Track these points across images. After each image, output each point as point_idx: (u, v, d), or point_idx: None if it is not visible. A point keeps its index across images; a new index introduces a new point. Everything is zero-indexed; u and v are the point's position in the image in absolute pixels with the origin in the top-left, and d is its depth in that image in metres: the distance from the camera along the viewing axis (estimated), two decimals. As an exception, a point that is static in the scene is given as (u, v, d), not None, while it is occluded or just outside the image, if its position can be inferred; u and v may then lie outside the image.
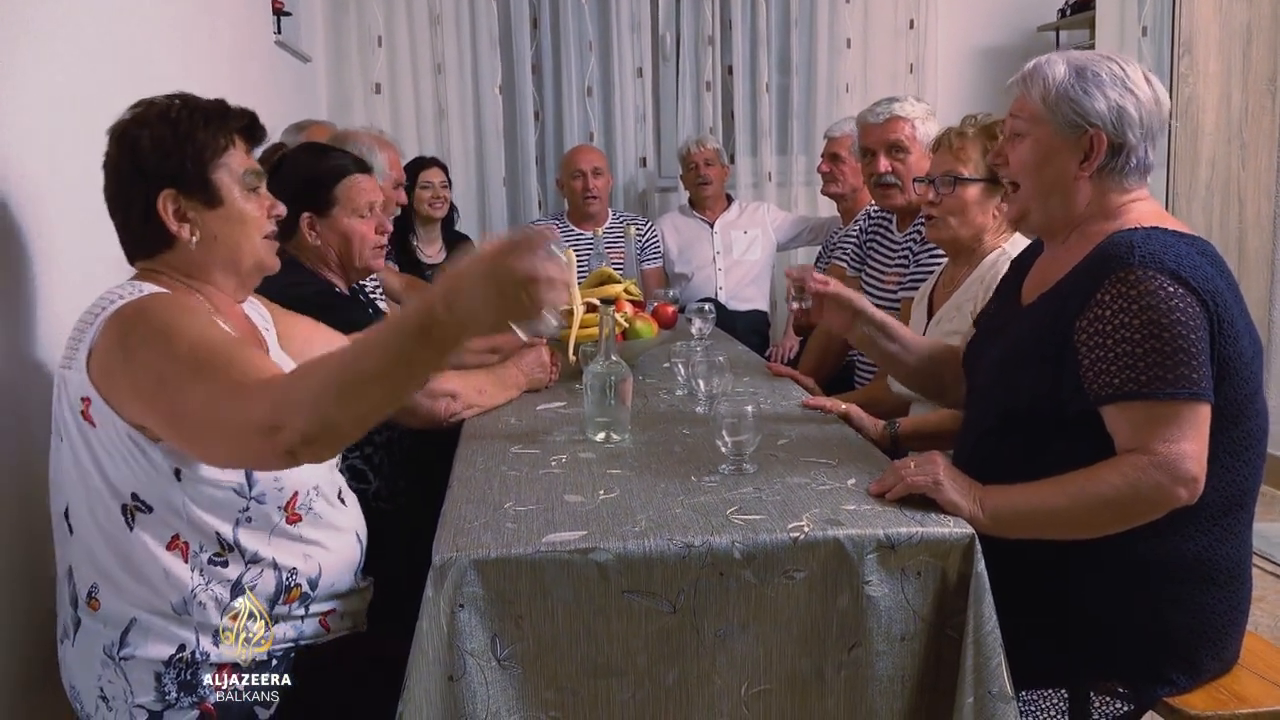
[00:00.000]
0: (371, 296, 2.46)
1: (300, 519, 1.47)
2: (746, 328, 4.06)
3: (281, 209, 1.53)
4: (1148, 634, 1.51)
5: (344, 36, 4.50)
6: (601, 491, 1.55)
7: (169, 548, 1.36)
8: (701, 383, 2.06)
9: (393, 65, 4.54)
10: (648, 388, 2.24)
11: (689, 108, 4.76)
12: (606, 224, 4.06)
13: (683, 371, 2.17)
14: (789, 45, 4.76)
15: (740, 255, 4.28)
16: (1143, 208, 1.57)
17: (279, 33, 3.61)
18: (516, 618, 1.34)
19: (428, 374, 1.21)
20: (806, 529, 1.38)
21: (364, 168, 2.13)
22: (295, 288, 2.05)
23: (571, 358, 2.26)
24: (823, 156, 3.72)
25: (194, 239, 1.42)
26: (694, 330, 2.72)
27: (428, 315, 1.12)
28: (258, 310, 1.66)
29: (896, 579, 1.39)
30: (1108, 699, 1.61)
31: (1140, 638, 1.52)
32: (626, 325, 2.29)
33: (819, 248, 4.24)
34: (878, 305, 2.73)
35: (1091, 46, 4.53)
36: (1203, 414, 1.42)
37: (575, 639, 1.35)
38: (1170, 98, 1.66)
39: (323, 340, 1.78)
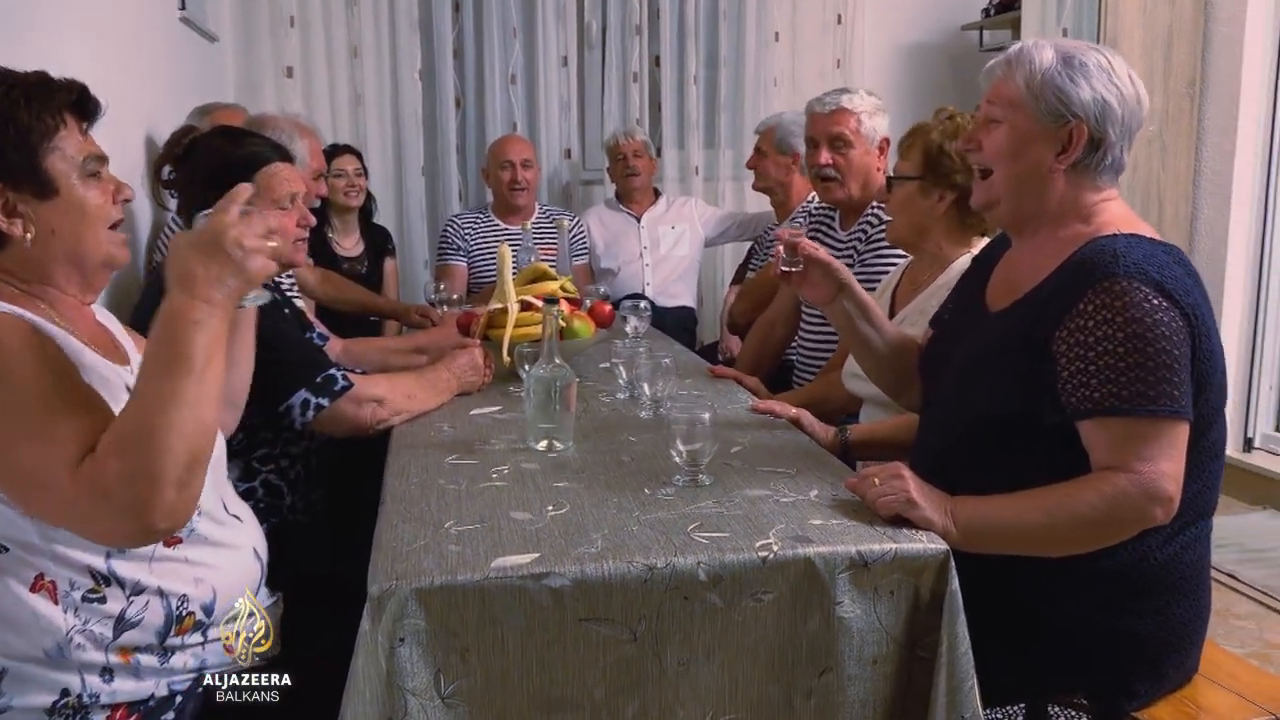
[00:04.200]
0: (288, 295, 2.29)
1: (181, 541, 1.31)
2: (675, 325, 3.97)
3: (129, 192, 1.36)
4: (1115, 644, 1.47)
5: (254, 16, 4.26)
6: (550, 507, 1.44)
7: (33, 589, 1.20)
8: (646, 386, 1.96)
9: (306, 48, 4.32)
10: (586, 391, 2.13)
11: (615, 98, 4.65)
12: (534, 218, 3.93)
13: (624, 374, 2.07)
14: (717, 37, 4.69)
15: (668, 251, 4.19)
16: (1114, 209, 1.53)
17: (184, 9, 3.39)
18: (462, 650, 1.22)
19: (205, 363, 1.13)
20: (775, 547, 1.29)
21: (285, 155, 1.97)
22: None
23: (506, 358, 2.15)
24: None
25: (29, 236, 1.25)
26: (629, 329, 2.62)
27: (166, 301, 1.12)
28: (110, 319, 1.49)
29: (869, 598, 1.31)
30: (1068, 712, 1.57)
31: (1107, 648, 1.47)
32: (564, 325, 2.18)
33: (749, 243, 4.19)
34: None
35: (1015, 46, 4.56)
36: (1182, 433, 1.37)
37: (527, 672, 1.24)
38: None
39: None
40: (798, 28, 4.76)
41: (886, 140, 2.68)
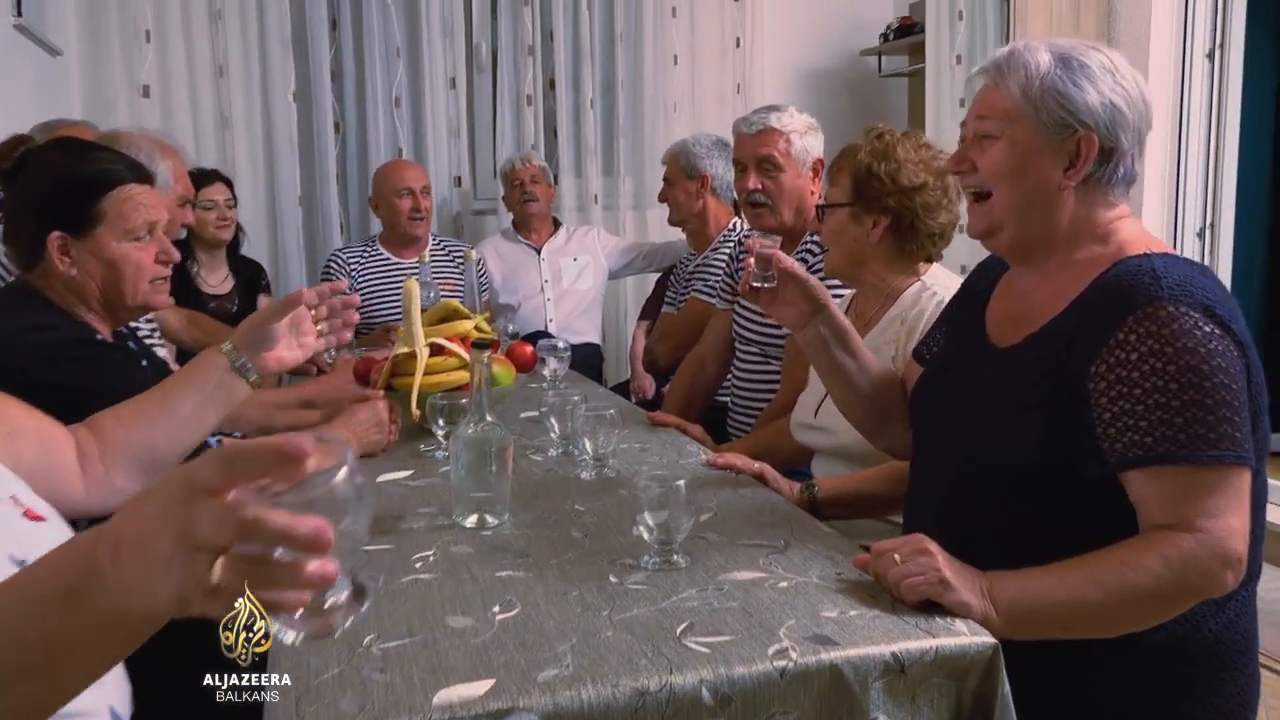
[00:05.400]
0: (147, 343, 1.92)
1: None
2: (580, 363, 3.68)
3: None
4: None
5: (103, 29, 3.82)
6: (496, 608, 1.14)
7: None
8: (586, 441, 1.68)
9: (164, 64, 3.90)
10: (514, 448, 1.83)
11: (508, 123, 4.36)
12: (429, 249, 3.59)
13: (557, 426, 1.79)
14: (614, 60, 4.46)
15: (570, 284, 3.92)
16: (1131, 227, 1.33)
17: (19, 15, 2.96)
18: (398, 821, 0.91)
19: (88, 673, 0.70)
20: (794, 654, 1.03)
21: (143, 176, 1.62)
22: (38, 332, 1.52)
23: (415, 411, 1.83)
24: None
25: None
26: (547, 372, 2.35)
27: (86, 565, 0.63)
28: None
29: (906, 710, 1.05)
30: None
31: None
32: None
33: (656, 275, 3.97)
34: (759, 342, 2.47)
35: (918, 72, 4.50)
36: (1246, 481, 1.17)
37: (485, 842, 0.94)
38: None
39: (35, 430, 1.24)
40: (696, 51, 4.58)
41: (820, 162, 2.48)
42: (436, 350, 1.90)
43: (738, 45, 4.63)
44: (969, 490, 1.33)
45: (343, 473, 0.61)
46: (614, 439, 1.68)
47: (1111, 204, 1.33)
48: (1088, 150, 1.29)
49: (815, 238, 2.38)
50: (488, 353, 1.40)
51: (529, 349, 2.15)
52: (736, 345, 2.55)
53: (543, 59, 4.39)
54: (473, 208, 4.46)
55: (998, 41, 4.17)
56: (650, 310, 3.76)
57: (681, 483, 1.25)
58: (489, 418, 1.40)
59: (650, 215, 4.42)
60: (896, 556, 1.17)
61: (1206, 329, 1.16)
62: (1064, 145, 1.29)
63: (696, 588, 1.19)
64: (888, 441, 1.61)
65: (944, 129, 4.21)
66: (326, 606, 0.65)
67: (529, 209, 3.87)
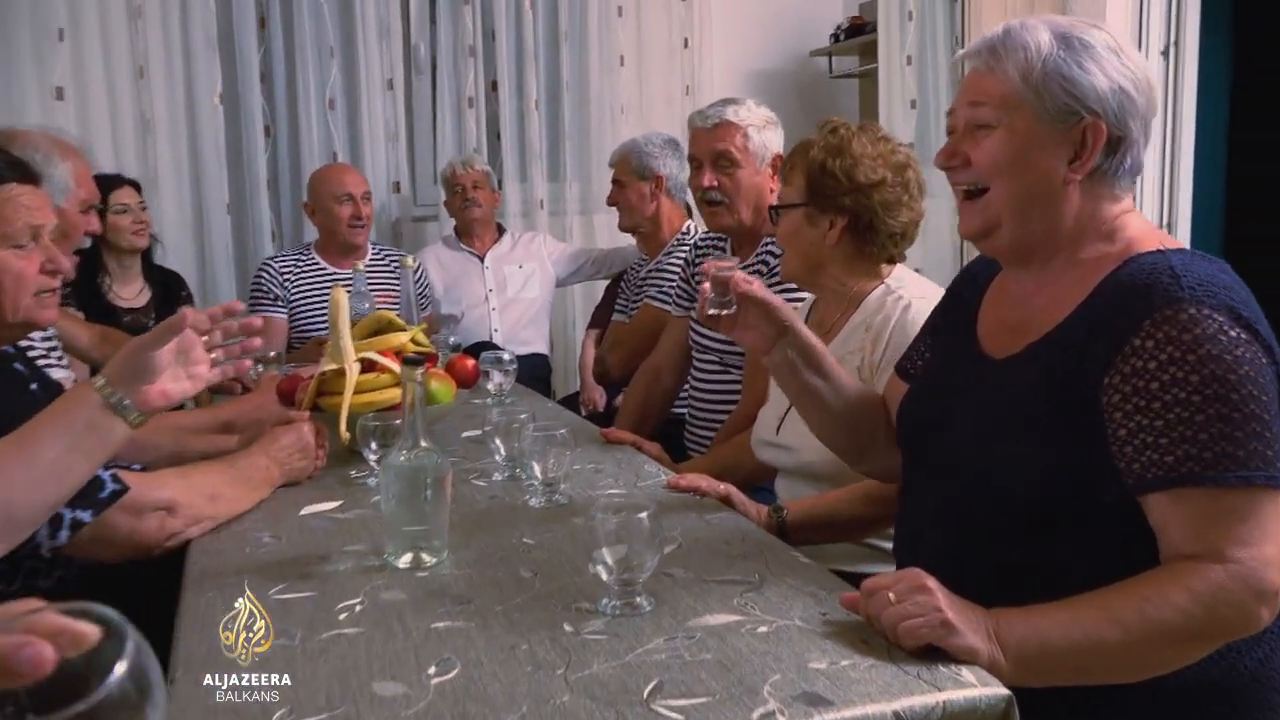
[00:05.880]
0: (40, 363, 1.72)
1: None
2: (527, 374, 3.51)
3: None
4: None
5: (12, 27, 3.57)
6: (432, 668, 0.98)
7: None
8: (535, 465, 1.52)
9: (79, 65, 3.66)
10: (454, 472, 1.66)
11: (449, 126, 4.18)
12: (367, 258, 3.41)
13: (503, 448, 1.62)
14: (559, 61, 4.30)
15: (516, 292, 3.76)
16: (1137, 223, 1.22)
17: (-89, 10, 2.74)
18: None
19: None
20: (782, 719, 0.88)
21: (26, 174, 1.43)
22: (-95, 352, 1.33)
23: (344, 434, 1.66)
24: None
25: None
26: (492, 386, 2.20)
27: None
28: None
29: (911, 778, 0.91)
30: None
31: None
32: (419, 387, 1.71)
33: (605, 282, 3.82)
34: (718, 351, 2.32)
35: (869, 72, 4.41)
36: (1279, 505, 1.05)
37: None
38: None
39: None
40: (644, 52, 4.45)
41: (780, 157, 2.35)
42: (368, 366, 1.73)
43: (686, 45, 4.50)
44: (967, 516, 1.19)
45: (120, 670, 0.46)
46: (565, 461, 1.53)
47: (1117, 197, 1.21)
48: (1095, 140, 1.16)
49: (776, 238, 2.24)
50: (420, 370, 1.23)
51: (471, 362, 1.98)
52: (694, 354, 2.41)
53: (484, 60, 4.21)
54: (412, 214, 4.28)
55: (948, 42, 4.11)
56: (600, 319, 3.61)
57: (644, 515, 1.10)
58: (424, 443, 1.24)
59: (598, 220, 4.27)
60: (891, 595, 1.02)
61: (1233, 334, 1.04)
62: (1068, 134, 1.17)
63: (664, 636, 1.04)
64: (870, 466, 1.47)
65: (896, 130, 4.11)
66: None
67: (471, 215, 3.70)
